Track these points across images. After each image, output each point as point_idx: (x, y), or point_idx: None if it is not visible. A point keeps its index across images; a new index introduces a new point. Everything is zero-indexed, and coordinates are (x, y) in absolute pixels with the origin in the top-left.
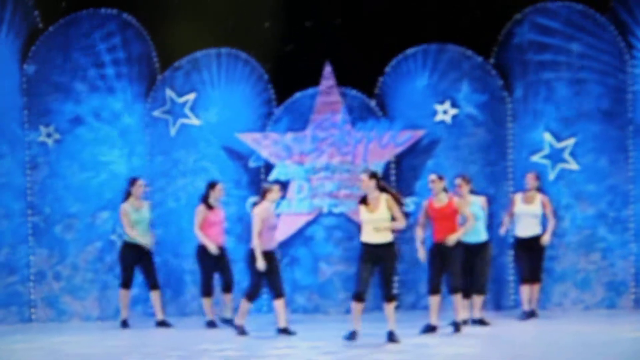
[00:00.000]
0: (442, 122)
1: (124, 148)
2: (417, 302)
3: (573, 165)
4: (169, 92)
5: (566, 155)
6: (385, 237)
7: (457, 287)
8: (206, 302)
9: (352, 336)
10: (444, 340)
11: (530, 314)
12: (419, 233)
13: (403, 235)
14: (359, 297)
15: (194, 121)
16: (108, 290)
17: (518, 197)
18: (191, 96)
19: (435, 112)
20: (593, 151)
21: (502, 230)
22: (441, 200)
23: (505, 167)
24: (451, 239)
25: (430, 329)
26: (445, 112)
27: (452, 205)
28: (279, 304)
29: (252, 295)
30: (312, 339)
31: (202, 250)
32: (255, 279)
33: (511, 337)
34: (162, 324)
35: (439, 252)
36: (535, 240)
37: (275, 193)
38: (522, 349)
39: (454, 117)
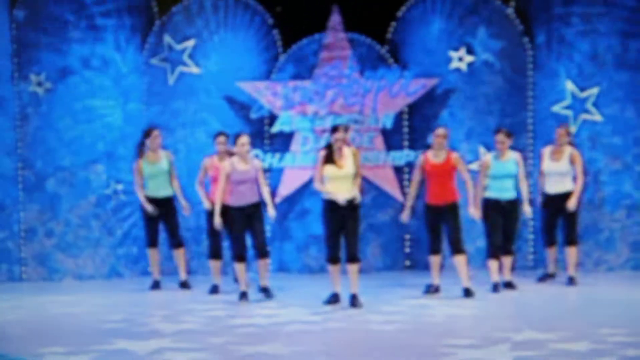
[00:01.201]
0: (458, 70)
1: (119, 98)
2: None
3: (596, 117)
4: (167, 39)
5: (589, 105)
6: (351, 194)
7: (462, 249)
8: (212, 264)
9: (333, 299)
10: (445, 302)
11: (547, 276)
12: (412, 190)
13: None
14: (333, 259)
15: (194, 69)
16: (102, 248)
17: (546, 152)
18: (191, 43)
19: (450, 60)
20: (619, 101)
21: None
22: (439, 155)
23: (525, 119)
24: (475, 213)
25: (432, 289)
26: (460, 59)
27: (451, 162)
28: (261, 263)
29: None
30: (307, 299)
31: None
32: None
33: (519, 298)
34: (184, 285)
35: (435, 212)
36: (566, 198)
37: (237, 146)
38: (525, 310)
39: (470, 64)
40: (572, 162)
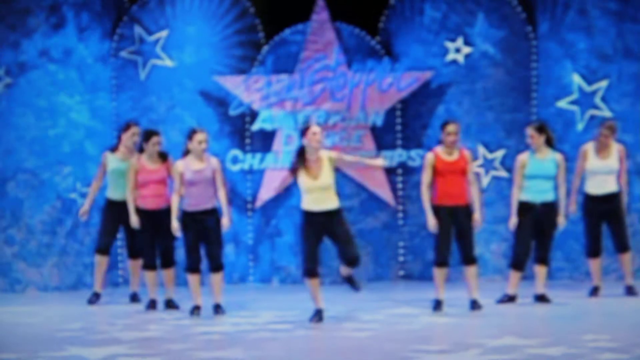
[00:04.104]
0: (454, 62)
1: (86, 94)
2: (424, 271)
3: (605, 112)
4: (139, 29)
5: (597, 100)
6: (333, 203)
7: (474, 258)
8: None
9: (317, 315)
10: (430, 312)
11: (597, 290)
12: (427, 195)
13: (410, 193)
14: (312, 273)
15: (167, 62)
16: (67, 257)
17: (590, 149)
18: (164, 33)
19: (446, 51)
20: (629, 95)
21: (571, 207)
22: (452, 153)
23: (528, 115)
24: (477, 221)
25: (438, 305)
26: (457, 50)
27: (465, 159)
28: (215, 277)
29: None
30: (281, 309)
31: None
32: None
33: (514, 308)
34: (133, 297)
35: (449, 216)
36: (612, 199)
37: (194, 144)
38: (514, 319)
39: (468, 56)
40: (620, 160)
